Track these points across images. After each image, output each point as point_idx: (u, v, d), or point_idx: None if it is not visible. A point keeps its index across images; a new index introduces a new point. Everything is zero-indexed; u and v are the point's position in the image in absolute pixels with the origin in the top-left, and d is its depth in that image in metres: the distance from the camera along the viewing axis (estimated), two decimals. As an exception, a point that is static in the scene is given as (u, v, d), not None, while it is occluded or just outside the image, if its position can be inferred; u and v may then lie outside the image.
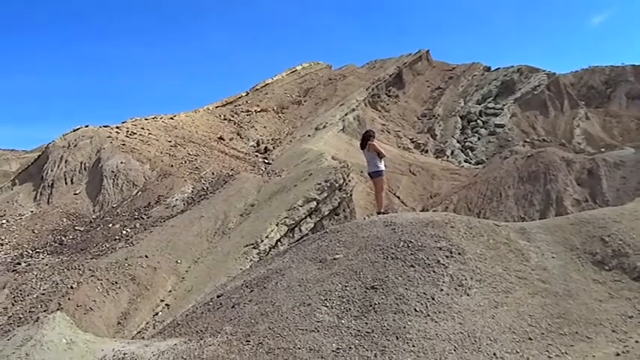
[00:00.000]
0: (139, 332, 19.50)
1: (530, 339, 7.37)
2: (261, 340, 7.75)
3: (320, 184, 27.74)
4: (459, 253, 9.02)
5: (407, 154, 47.88)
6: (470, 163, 52.08)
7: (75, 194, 32.21)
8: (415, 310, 7.83)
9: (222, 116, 48.39)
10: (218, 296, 10.22)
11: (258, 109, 50.73)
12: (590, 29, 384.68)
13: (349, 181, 29.76)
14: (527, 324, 7.64)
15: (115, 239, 25.50)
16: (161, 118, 43.42)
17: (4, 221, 30.11)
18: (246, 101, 52.95)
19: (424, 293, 8.14)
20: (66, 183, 33.17)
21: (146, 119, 42.50)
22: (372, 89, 57.59)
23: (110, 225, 27.79)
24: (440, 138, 55.37)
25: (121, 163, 33.52)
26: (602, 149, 44.75)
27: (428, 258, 8.92)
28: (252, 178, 31.46)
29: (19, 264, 24.75)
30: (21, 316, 19.91)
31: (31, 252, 26.37)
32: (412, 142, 53.39)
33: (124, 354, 7.95)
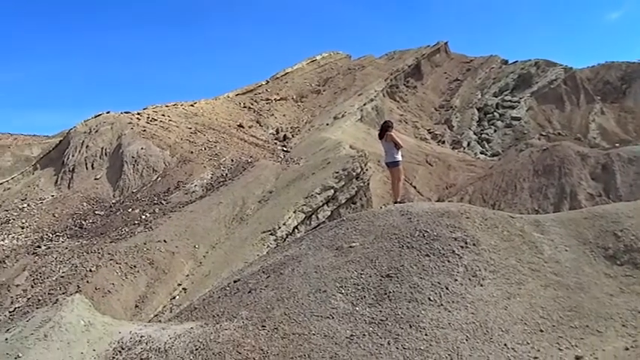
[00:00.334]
0: (156, 315, 19.75)
1: (541, 331, 7.45)
2: (276, 325, 7.88)
3: (338, 172, 27.84)
4: (474, 244, 9.10)
5: (424, 145, 47.76)
6: (486, 154, 51.84)
7: (95, 179, 32.58)
8: (429, 299, 7.93)
9: (242, 104, 48.48)
10: (235, 281, 10.34)
11: (278, 98, 50.71)
12: (606, 25, 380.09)
13: (366, 170, 29.80)
14: (539, 316, 7.73)
15: (135, 224, 25.78)
16: (181, 105, 43.62)
17: (25, 205, 30.58)
18: (266, 89, 52.93)
19: (438, 283, 8.25)
20: (87, 168, 33.53)
21: (167, 106, 42.72)
22: (391, 80, 57.34)
23: (130, 210, 28.08)
24: (457, 129, 55.10)
25: (142, 148, 33.79)
26: (617, 144, 44.34)
27: (443, 248, 9.01)
28: (270, 166, 31.56)
29: (40, 247, 25.12)
30: (40, 298, 20.23)
31: (51, 235, 26.75)
32: (429, 132, 53.23)
33: (141, 336, 8.09)
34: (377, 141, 14.59)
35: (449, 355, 7.01)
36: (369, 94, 51.14)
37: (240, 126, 42.31)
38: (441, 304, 7.84)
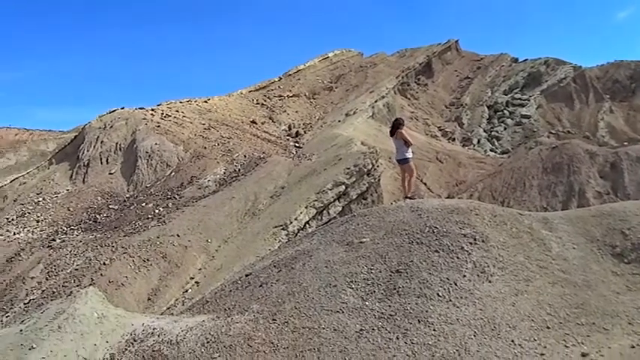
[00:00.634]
0: (169, 308, 19.84)
1: (548, 327, 7.52)
2: (287, 319, 8.00)
3: (349, 168, 27.88)
4: (483, 241, 9.17)
5: (434, 142, 47.68)
6: (495, 152, 51.77)
7: (110, 174, 32.86)
8: (438, 294, 8.03)
9: (255, 100, 48.59)
10: (246, 275, 10.47)
11: (290, 94, 50.78)
12: (615, 24, 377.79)
13: (378, 166, 29.82)
14: (546, 313, 7.79)
15: (148, 218, 25.95)
16: (195, 102, 43.78)
17: (40, 199, 30.91)
18: (279, 86, 53.05)
19: (447, 278, 8.34)
20: (101, 163, 33.81)
21: (180, 102, 42.89)
22: (402, 77, 57.25)
23: (143, 204, 28.27)
24: (467, 127, 55.00)
25: (156, 144, 34.01)
26: (625, 143, 44.01)
27: (452, 244, 9.10)
28: (282, 162, 31.65)
29: (54, 240, 25.33)
30: (54, 290, 20.39)
31: (65, 229, 26.98)
32: (440, 130, 53.18)
33: (153, 329, 8.24)
34: (388, 138, 14.71)
35: (457, 350, 7.10)
36: (381, 91, 51.12)
37: (253, 122, 42.43)
38: (450, 300, 7.93)
